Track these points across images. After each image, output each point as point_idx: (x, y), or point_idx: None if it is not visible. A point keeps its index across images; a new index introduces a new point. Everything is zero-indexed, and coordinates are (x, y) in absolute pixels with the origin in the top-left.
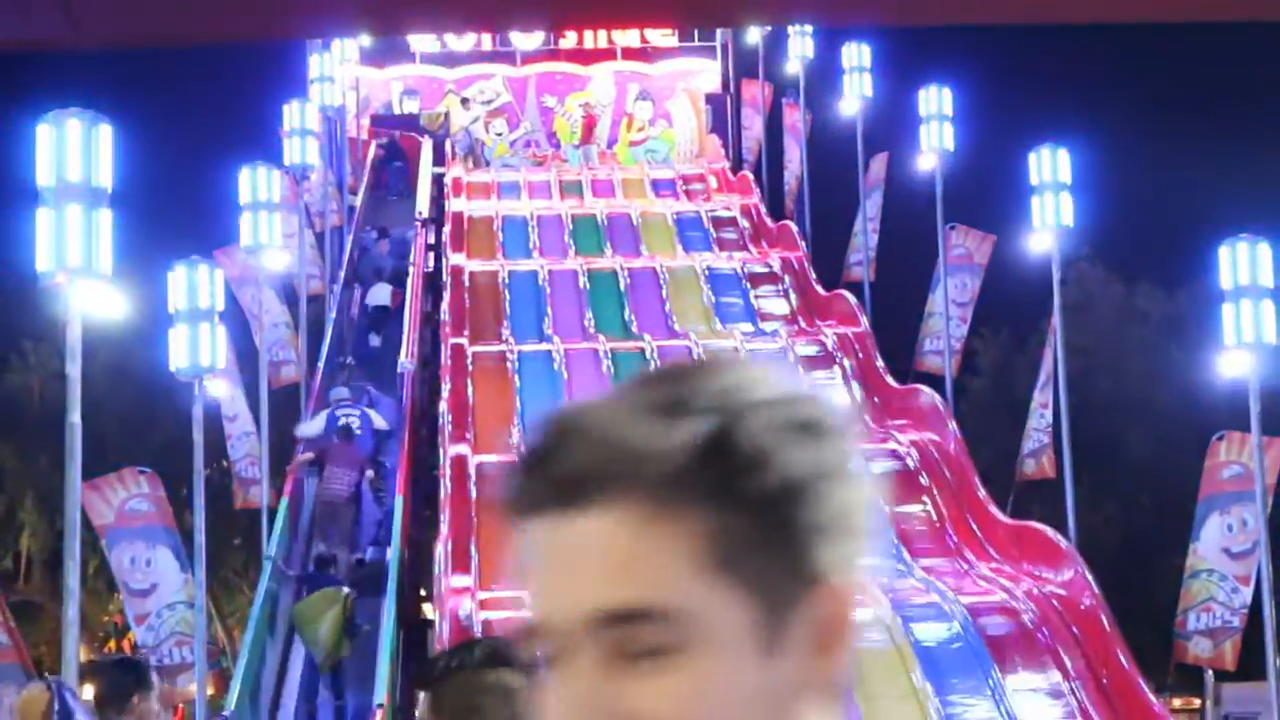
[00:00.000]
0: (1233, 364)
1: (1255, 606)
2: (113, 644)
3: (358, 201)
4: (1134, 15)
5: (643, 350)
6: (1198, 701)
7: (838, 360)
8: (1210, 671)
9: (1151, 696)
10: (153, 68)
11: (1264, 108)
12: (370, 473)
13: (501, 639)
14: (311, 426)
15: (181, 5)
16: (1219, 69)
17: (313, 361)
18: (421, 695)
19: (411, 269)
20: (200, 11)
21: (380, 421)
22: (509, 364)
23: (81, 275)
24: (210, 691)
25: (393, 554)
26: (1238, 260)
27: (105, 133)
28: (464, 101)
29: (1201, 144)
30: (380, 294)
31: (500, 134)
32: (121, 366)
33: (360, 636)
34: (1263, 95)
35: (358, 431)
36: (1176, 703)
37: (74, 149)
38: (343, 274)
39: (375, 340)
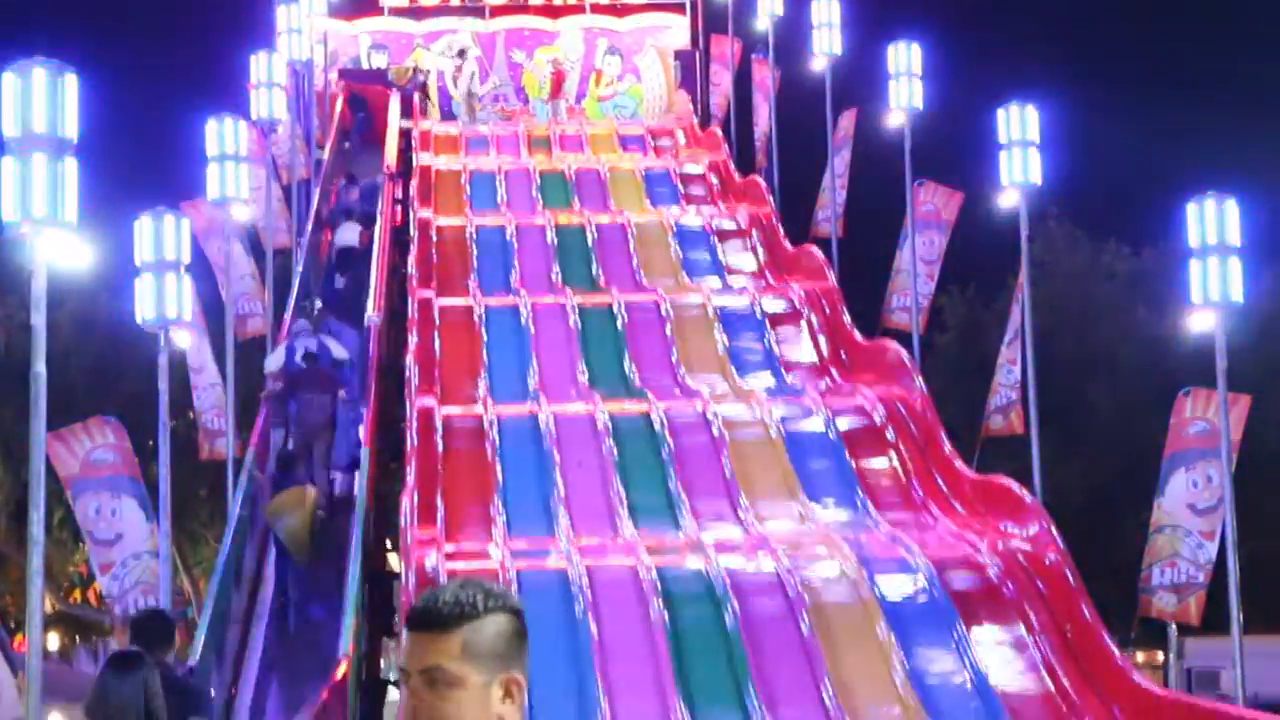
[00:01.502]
0: (1199, 321)
1: (1219, 562)
2: (78, 594)
3: (325, 155)
4: None
5: (610, 305)
6: (1161, 656)
7: (805, 316)
8: (1174, 626)
9: (1115, 650)
10: (119, 18)
11: (1232, 67)
12: (342, 393)
13: (484, 581)
14: (274, 360)
15: None
16: (1188, 28)
17: (279, 314)
18: (428, 636)
19: (380, 219)
20: None
21: (339, 350)
22: (476, 318)
23: (47, 225)
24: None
25: (358, 507)
26: (1205, 218)
27: (71, 82)
28: (460, 52)
29: (1169, 102)
30: (348, 234)
31: None
32: (87, 317)
33: (319, 525)
34: (1230, 54)
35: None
36: (1140, 657)
37: (39, 99)
38: (309, 226)
39: (340, 281)
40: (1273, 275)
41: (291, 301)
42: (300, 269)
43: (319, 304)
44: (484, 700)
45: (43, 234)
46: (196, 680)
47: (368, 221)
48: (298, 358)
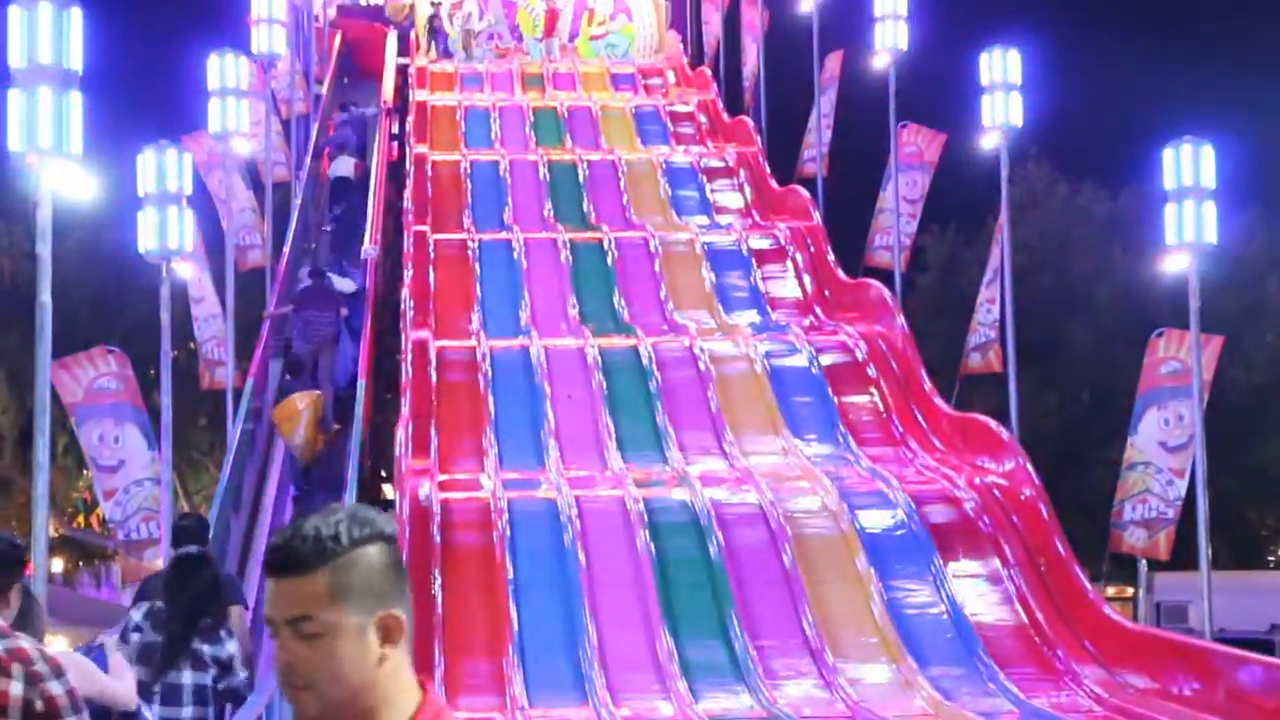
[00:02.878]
0: (1174, 263)
1: (1189, 499)
2: (81, 519)
3: (324, 90)
4: None
5: (601, 241)
6: (1131, 590)
7: (790, 254)
8: (1144, 561)
9: (1087, 584)
10: None
11: (1207, 13)
12: (345, 310)
13: (351, 509)
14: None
15: None
16: None
17: (278, 246)
18: (291, 581)
19: (376, 154)
20: None
21: (345, 284)
22: (470, 252)
23: (52, 156)
24: None
25: (354, 437)
26: (1181, 162)
27: (76, 16)
28: None
29: (1147, 48)
30: (343, 165)
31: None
32: (91, 248)
33: (330, 434)
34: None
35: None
36: (1110, 591)
37: (45, 31)
38: (309, 158)
39: (336, 210)
40: (1246, 218)
41: (290, 233)
42: (299, 202)
43: (314, 246)
44: (361, 645)
45: (48, 164)
46: (229, 573)
47: (360, 153)
48: (310, 269)
